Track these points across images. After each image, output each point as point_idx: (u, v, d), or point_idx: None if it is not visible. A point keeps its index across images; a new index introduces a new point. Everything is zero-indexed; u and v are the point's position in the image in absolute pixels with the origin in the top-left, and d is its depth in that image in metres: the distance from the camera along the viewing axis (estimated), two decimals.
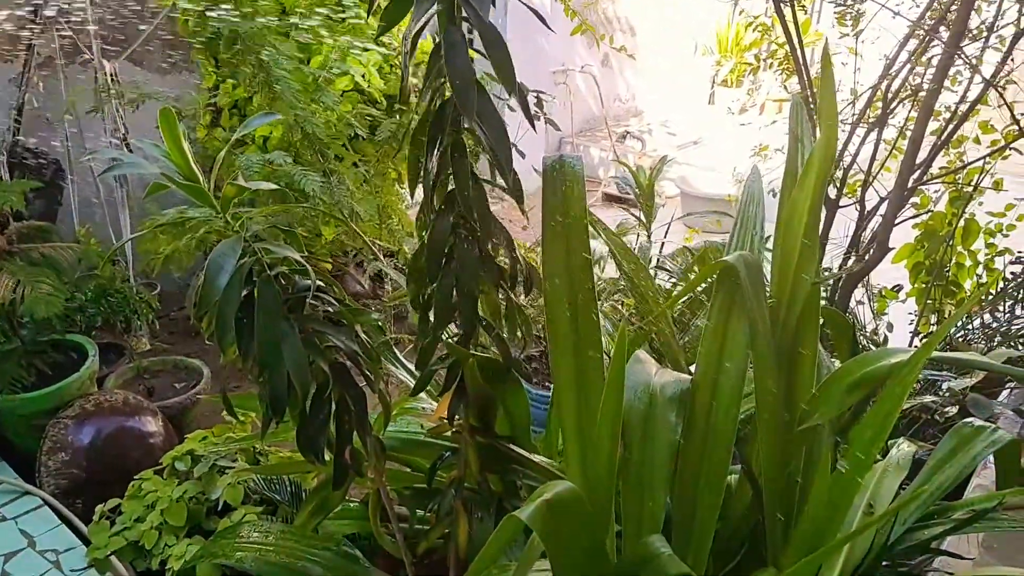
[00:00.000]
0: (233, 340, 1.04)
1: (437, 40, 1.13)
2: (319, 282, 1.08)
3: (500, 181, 1.18)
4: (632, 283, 1.36)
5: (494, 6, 1.11)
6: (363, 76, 2.27)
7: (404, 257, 2.11)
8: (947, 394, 2.02)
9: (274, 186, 1.01)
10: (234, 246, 0.98)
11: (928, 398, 2.00)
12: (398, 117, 2.10)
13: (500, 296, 1.20)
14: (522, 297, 1.24)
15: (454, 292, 1.19)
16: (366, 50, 2.30)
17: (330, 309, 1.13)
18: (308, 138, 1.77)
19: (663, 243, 2.58)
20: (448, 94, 1.14)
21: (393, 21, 1.07)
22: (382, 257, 1.86)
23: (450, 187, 1.20)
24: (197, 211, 1.18)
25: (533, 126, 1.33)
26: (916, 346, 2.09)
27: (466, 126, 1.16)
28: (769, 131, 2.91)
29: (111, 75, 3.06)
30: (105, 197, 3.27)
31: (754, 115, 6.24)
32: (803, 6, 2.22)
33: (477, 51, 1.14)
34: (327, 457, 1.22)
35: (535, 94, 3.62)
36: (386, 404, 1.25)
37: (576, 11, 3.41)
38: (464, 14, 1.10)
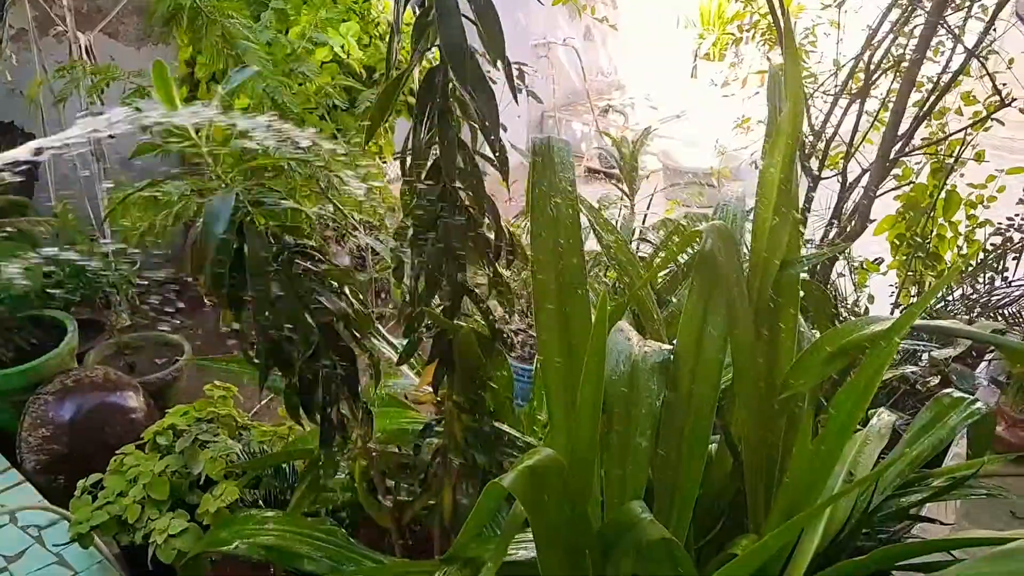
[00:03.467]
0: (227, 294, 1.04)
1: (426, 4, 1.11)
2: (308, 243, 1.08)
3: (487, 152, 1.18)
4: (610, 255, 1.36)
5: None
6: (342, 47, 2.24)
7: (386, 231, 2.10)
8: (929, 364, 2.04)
9: (265, 126, 0.99)
10: (228, 198, 0.98)
11: (910, 368, 2.02)
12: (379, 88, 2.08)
13: (487, 268, 1.20)
14: (506, 272, 1.23)
15: (442, 264, 1.18)
16: (344, 21, 2.27)
17: (319, 268, 1.13)
18: (279, 108, 1.75)
19: (646, 215, 2.58)
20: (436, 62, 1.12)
21: None
22: (362, 230, 1.85)
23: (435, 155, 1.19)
24: (177, 183, 1.17)
25: (516, 98, 1.31)
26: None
27: (457, 94, 1.14)
28: (751, 103, 2.91)
29: (86, 48, 3.00)
30: (81, 172, 3.22)
31: (736, 88, 6.21)
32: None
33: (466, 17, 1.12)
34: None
35: (517, 67, 3.59)
36: (376, 366, 1.25)
37: None
38: None
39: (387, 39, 1.13)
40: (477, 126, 1.17)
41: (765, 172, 1.30)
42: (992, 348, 2.26)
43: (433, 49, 1.14)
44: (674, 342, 1.22)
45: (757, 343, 1.21)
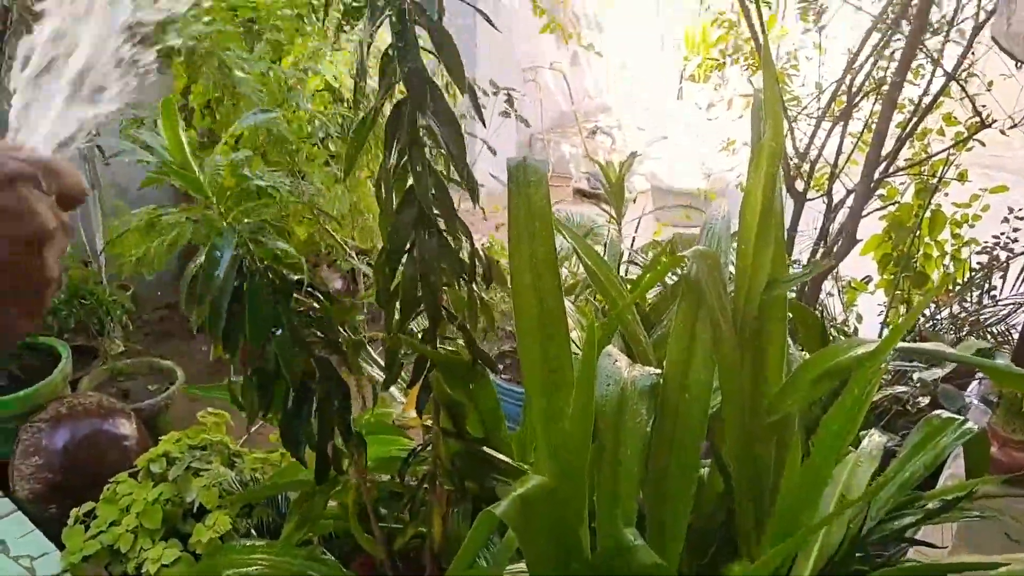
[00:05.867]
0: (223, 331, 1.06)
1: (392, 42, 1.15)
2: (303, 277, 1.10)
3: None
4: (595, 278, 1.38)
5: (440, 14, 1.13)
6: (334, 77, 2.27)
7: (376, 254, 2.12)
8: (918, 385, 2.06)
9: (268, 183, 1.02)
10: (229, 238, 1.00)
11: (900, 389, 2.04)
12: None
13: (462, 289, 1.22)
14: (486, 294, 1.25)
15: (418, 286, 1.20)
16: (336, 51, 2.30)
17: (315, 304, 1.15)
18: (275, 138, 1.77)
19: (634, 237, 2.60)
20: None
21: (351, 21, 1.08)
22: (355, 256, 1.87)
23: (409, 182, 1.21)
24: (173, 211, 1.19)
25: (483, 121, 1.32)
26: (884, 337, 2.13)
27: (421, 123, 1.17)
28: (737, 125, 2.95)
29: None
30: None
31: (722, 109, 6.29)
32: (767, 2, 2.25)
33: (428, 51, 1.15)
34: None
35: (506, 92, 3.64)
36: (373, 391, 1.26)
37: (544, 9, 3.42)
38: (416, 17, 1.12)
39: (378, 66, 1.17)
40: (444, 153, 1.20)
41: (749, 193, 1.32)
42: None
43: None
44: (663, 365, 1.23)
45: (744, 365, 1.22)
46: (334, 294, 2.93)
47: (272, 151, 1.82)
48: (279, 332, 1.09)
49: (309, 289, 1.14)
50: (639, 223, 2.73)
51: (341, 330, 1.17)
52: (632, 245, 2.50)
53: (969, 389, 2.35)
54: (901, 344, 1.28)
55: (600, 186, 5.70)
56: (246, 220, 1.03)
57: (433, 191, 1.18)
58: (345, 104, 2.39)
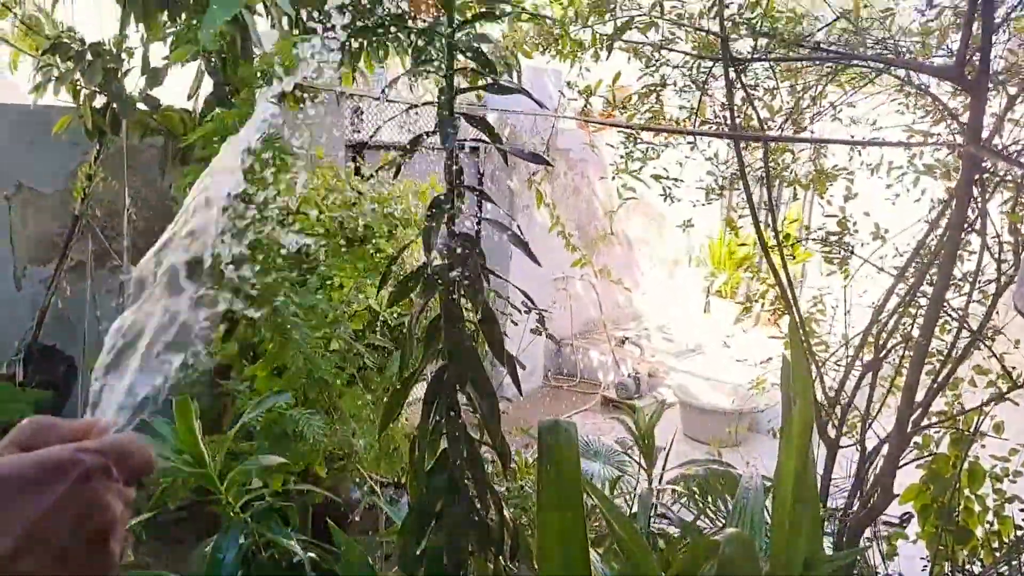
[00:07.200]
0: None
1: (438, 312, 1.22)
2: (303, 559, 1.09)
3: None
4: (622, 546, 1.34)
5: (487, 281, 1.21)
6: (377, 303, 2.38)
7: (407, 486, 2.10)
8: None
9: (279, 460, 1.04)
10: (236, 534, 1.00)
11: None
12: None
13: (490, 563, 1.19)
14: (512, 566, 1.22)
15: (444, 555, 1.18)
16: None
17: None
18: (315, 380, 1.83)
19: (663, 471, 2.55)
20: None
21: (398, 300, 1.16)
22: (379, 491, 1.86)
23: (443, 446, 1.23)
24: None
25: (518, 387, 1.35)
26: None
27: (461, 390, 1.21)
28: (765, 345, 2.98)
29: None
30: None
31: (748, 324, 6.41)
32: (793, 256, 2.37)
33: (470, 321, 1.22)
34: None
35: (537, 312, 3.77)
36: None
37: (575, 245, 3.64)
38: (461, 291, 1.20)
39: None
40: (478, 416, 1.23)
41: (781, 467, 1.31)
42: None
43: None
44: None
45: None
46: (353, 504, 2.85)
47: (312, 390, 1.87)
48: None
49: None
50: (669, 447, 2.69)
51: None
52: (662, 480, 2.44)
53: None
54: None
55: (629, 396, 5.71)
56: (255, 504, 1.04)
57: (465, 455, 1.19)
58: (383, 324, 2.48)
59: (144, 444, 0.62)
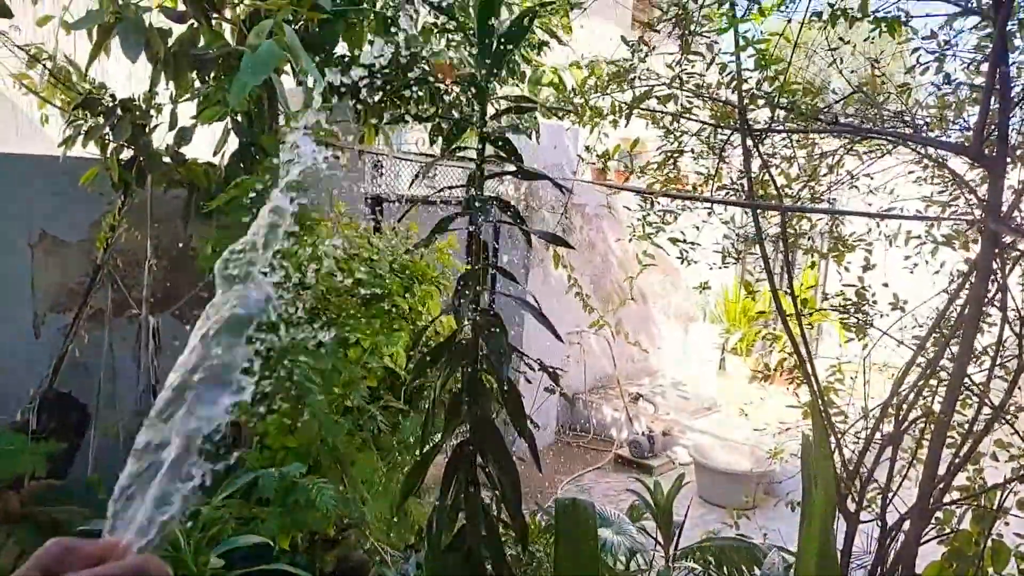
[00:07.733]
0: None
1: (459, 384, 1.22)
2: None
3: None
4: None
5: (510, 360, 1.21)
6: (391, 356, 2.37)
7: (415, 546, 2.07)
8: None
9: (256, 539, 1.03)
10: None
11: None
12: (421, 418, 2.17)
13: None
14: None
15: None
16: (396, 330, 2.43)
17: None
18: (329, 448, 1.83)
19: (679, 535, 2.49)
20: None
21: (422, 371, 1.16)
22: (389, 560, 1.83)
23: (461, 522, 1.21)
24: None
25: (538, 465, 1.35)
26: None
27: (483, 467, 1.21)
28: (780, 404, 2.94)
29: (154, 330, 3.23)
30: (123, 442, 3.29)
31: (765, 381, 6.35)
32: (811, 324, 2.35)
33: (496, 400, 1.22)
34: None
35: (552, 369, 3.77)
36: None
37: (591, 306, 3.65)
38: (485, 367, 1.20)
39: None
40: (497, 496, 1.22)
41: (803, 555, 1.29)
42: None
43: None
44: None
45: None
46: (359, 561, 2.80)
47: (325, 457, 1.86)
48: None
49: None
50: (686, 513, 2.63)
51: None
52: (679, 534, 2.38)
53: None
54: None
55: (643, 455, 5.63)
56: None
57: (484, 534, 1.18)
58: (399, 382, 2.48)
59: (162, 564, 0.63)
